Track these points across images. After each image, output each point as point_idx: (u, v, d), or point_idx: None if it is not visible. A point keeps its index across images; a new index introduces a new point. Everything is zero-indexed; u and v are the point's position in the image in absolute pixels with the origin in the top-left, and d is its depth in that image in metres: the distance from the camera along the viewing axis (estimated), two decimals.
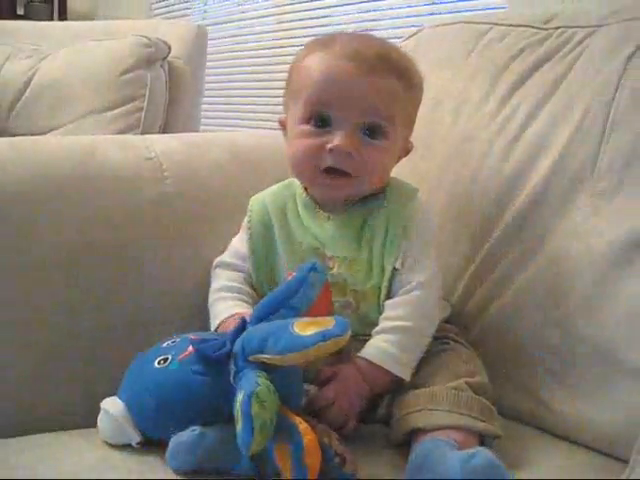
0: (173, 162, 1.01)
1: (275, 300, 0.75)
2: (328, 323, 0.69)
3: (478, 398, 0.79)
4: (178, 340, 0.80)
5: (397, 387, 0.83)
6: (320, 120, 0.86)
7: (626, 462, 0.63)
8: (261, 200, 0.96)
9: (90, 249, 0.91)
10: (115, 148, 1.00)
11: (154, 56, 1.85)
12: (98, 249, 0.92)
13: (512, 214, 0.98)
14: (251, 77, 2.58)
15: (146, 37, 1.86)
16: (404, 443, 0.78)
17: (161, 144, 1.04)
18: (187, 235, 0.99)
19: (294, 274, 0.76)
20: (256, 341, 0.70)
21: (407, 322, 0.85)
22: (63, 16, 3.39)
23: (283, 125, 0.94)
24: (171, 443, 0.72)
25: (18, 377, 0.86)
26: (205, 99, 2.17)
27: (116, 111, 1.79)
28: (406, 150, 0.94)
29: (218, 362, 0.74)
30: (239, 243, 0.96)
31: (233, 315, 0.87)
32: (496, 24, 1.16)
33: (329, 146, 0.85)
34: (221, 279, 0.94)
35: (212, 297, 0.93)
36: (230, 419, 0.69)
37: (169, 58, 1.92)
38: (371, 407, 0.85)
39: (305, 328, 0.68)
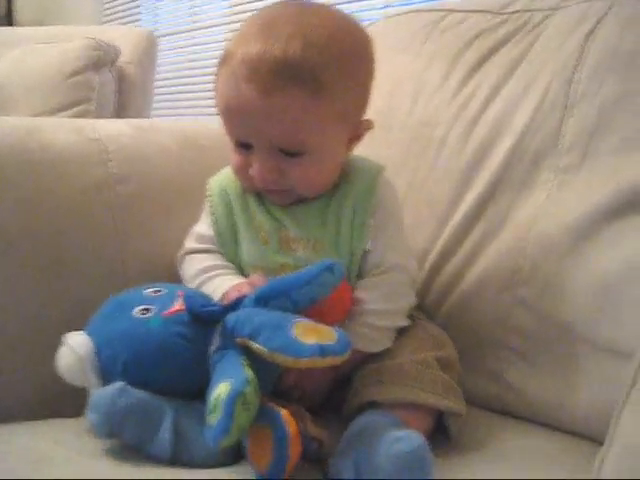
0: (119, 144, 0.97)
1: (279, 287, 0.71)
2: (330, 336, 0.65)
3: (442, 375, 0.76)
4: (164, 291, 0.75)
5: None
6: (240, 144, 0.82)
7: (602, 443, 0.59)
8: (219, 182, 0.91)
9: (29, 232, 0.86)
10: (58, 129, 0.94)
11: (103, 59, 1.82)
12: (38, 231, 0.86)
13: (474, 195, 0.95)
14: (202, 87, 2.54)
15: (95, 40, 1.81)
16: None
17: (107, 126, 0.99)
18: (132, 218, 0.94)
19: (310, 267, 0.72)
20: (251, 326, 0.66)
21: (381, 305, 0.82)
22: (10, 23, 3.31)
23: None
24: (92, 396, 0.67)
25: None
26: (156, 111, 2.13)
27: (63, 114, 1.74)
28: (358, 135, 0.87)
29: (205, 325, 0.70)
30: (203, 227, 0.90)
31: (236, 285, 0.81)
32: (452, 11, 1.14)
33: (250, 172, 0.82)
34: (200, 262, 0.88)
35: (198, 280, 0.86)
36: (199, 391, 0.66)
37: (118, 63, 1.89)
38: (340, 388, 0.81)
39: (305, 334, 0.64)
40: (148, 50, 1.98)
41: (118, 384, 0.67)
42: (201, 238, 0.90)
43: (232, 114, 0.81)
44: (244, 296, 0.72)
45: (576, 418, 0.80)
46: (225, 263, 0.87)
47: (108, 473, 0.64)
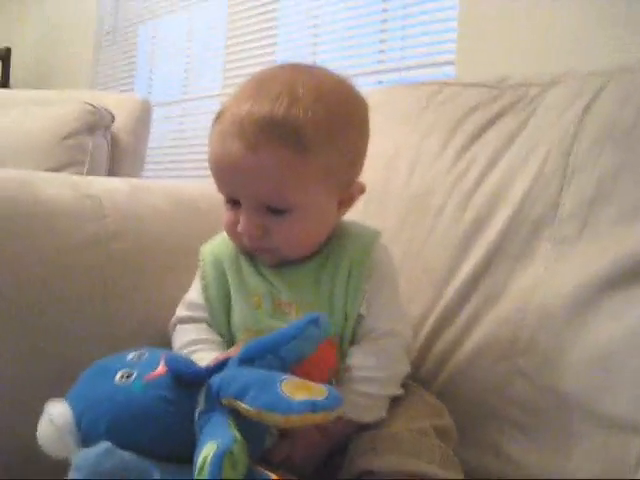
0: (114, 201, 0.95)
1: (264, 345, 0.68)
2: (320, 392, 0.62)
3: (440, 445, 0.73)
4: (146, 355, 0.71)
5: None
6: (231, 201, 0.82)
7: None
8: (211, 249, 0.89)
9: (17, 286, 0.82)
10: (52, 183, 0.92)
11: (97, 123, 1.82)
12: (26, 286, 0.83)
13: (471, 264, 0.94)
14: (193, 157, 2.55)
15: (90, 104, 1.82)
16: None
17: (103, 183, 0.98)
18: (123, 276, 0.91)
19: (294, 322, 0.69)
20: (236, 386, 0.63)
21: (375, 373, 0.79)
22: (5, 86, 3.34)
23: None
24: (76, 456, 0.63)
25: None
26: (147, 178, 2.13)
27: None
28: (350, 198, 0.85)
29: (189, 387, 0.66)
30: (194, 294, 0.89)
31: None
32: (448, 84, 1.16)
33: (237, 229, 0.81)
34: (187, 334, 0.86)
35: (184, 352, 0.84)
36: (186, 456, 0.62)
37: (113, 129, 1.89)
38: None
39: (295, 391, 0.61)
40: (142, 117, 1.99)
41: (103, 444, 0.63)
42: (191, 306, 0.88)
43: (221, 170, 0.81)
44: (228, 358, 0.70)
45: None
46: (211, 336, 0.86)
47: None
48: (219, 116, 0.81)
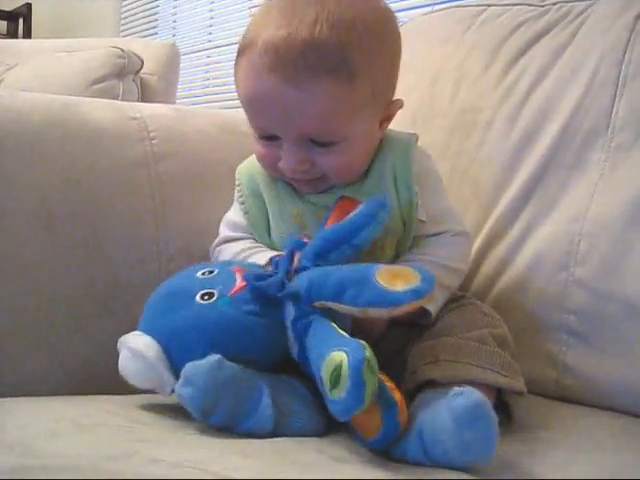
0: (160, 124, 0.94)
1: (338, 236, 0.67)
2: (414, 277, 0.61)
3: (500, 352, 0.71)
4: (217, 271, 0.69)
5: (412, 336, 0.76)
6: (266, 136, 0.78)
7: None
8: (247, 169, 0.87)
9: (68, 207, 0.83)
10: (95, 106, 0.92)
11: (127, 68, 1.81)
12: (76, 207, 0.83)
13: (522, 177, 0.93)
14: (219, 105, 2.53)
15: (119, 48, 1.81)
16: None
17: (147, 107, 0.98)
18: (171, 197, 0.91)
19: (360, 208, 0.68)
20: (331, 288, 0.62)
21: (442, 260, 0.79)
22: (27, 37, 3.35)
23: None
24: (186, 368, 0.62)
25: None
26: None
27: None
28: (389, 116, 0.82)
29: (272, 298, 0.66)
30: (236, 216, 0.86)
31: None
32: (490, 5, 1.13)
33: (279, 165, 0.77)
34: (236, 246, 0.84)
35: (238, 259, 0.82)
36: (281, 363, 0.63)
37: (141, 74, 1.87)
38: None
39: (391, 281, 0.60)
40: (171, 62, 1.97)
41: (214, 357, 0.62)
42: (235, 226, 0.86)
43: (256, 107, 0.75)
44: (294, 254, 0.68)
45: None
46: (261, 245, 0.84)
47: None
48: (247, 46, 0.75)
